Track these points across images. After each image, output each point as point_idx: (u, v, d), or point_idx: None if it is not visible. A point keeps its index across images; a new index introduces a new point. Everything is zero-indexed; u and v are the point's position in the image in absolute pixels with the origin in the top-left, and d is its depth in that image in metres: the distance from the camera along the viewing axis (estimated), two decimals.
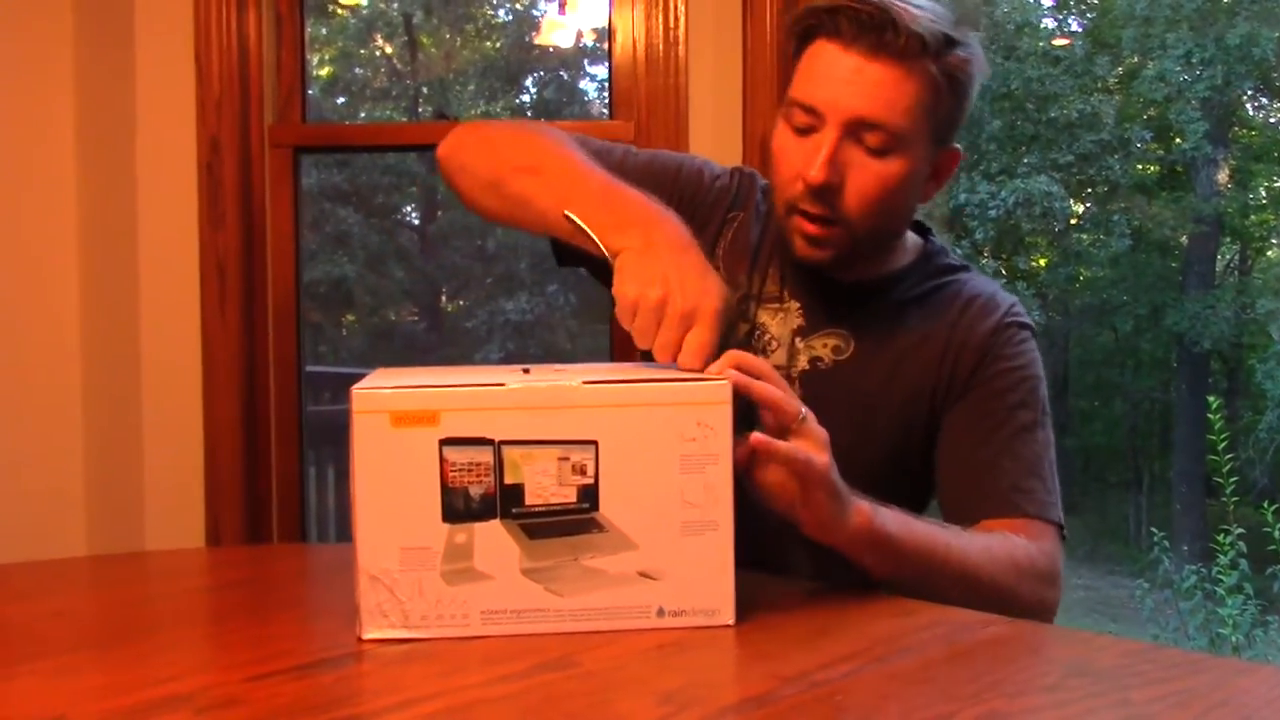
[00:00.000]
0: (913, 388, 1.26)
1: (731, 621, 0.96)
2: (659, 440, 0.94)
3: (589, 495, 0.94)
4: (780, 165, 1.24)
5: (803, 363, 1.27)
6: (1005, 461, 1.23)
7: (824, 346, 1.28)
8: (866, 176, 1.19)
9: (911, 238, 1.35)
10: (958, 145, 1.28)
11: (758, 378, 1.00)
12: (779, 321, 1.31)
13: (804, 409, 1.01)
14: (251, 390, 2.08)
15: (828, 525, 1.02)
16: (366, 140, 2.65)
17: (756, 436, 0.96)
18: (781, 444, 0.97)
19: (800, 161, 1.20)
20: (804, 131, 1.20)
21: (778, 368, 1.16)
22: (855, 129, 1.18)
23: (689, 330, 1.02)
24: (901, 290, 1.31)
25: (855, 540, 1.04)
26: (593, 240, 1.12)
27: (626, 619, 0.95)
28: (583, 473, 0.93)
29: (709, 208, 1.36)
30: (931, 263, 1.34)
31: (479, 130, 1.33)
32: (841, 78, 1.17)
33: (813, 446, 1.00)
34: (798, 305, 1.30)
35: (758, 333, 1.31)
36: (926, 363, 1.27)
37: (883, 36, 1.15)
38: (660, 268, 1.05)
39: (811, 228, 1.21)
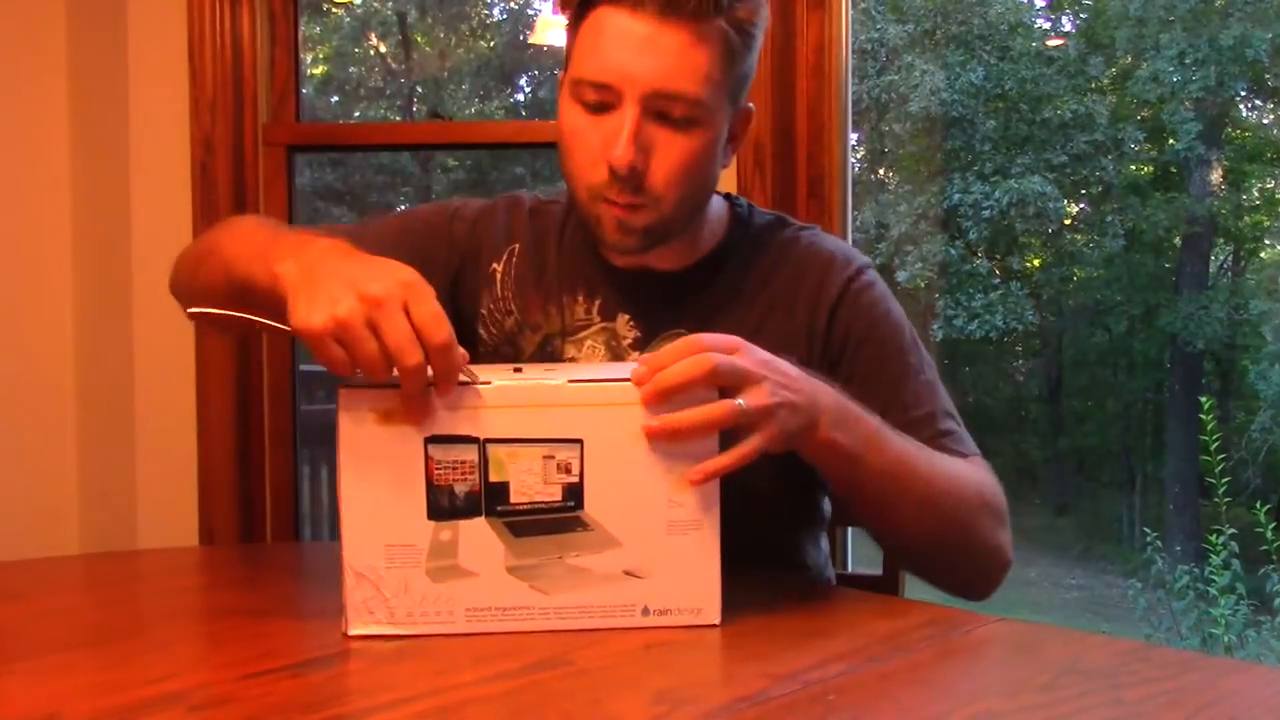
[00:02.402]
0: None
1: (717, 621, 0.96)
2: (644, 439, 0.93)
3: (574, 493, 0.94)
4: (576, 150, 1.14)
5: None
6: (920, 412, 1.17)
7: None
8: (673, 153, 1.11)
9: (715, 200, 1.26)
10: (750, 104, 1.21)
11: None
12: (590, 350, 1.22)
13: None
14: (245, 388, 2.07)
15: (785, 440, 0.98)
16: (360, 139, 2.64)
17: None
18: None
19: (600, 145, 1.11)
20: (598, 110, 1.12)
21: None
22: (655, 102, 1.09)
23: (411, 311, 0.88)
24: (732, 267, 1.24)
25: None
26: (260, 293, 0.99)
27: (611, 617, 0.95)
28: (568, 471, 0.93)
29: (447, 249, 1.28)
30: (749, 228, 1.27)
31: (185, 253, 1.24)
32: (634, 48, 1.08)
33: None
34: (626, 318, 1.23)
35: None
36: (788, 333, 1.20)
37: None
38: (332, 276, 0.90)
39: (622, 212, 1.13)
